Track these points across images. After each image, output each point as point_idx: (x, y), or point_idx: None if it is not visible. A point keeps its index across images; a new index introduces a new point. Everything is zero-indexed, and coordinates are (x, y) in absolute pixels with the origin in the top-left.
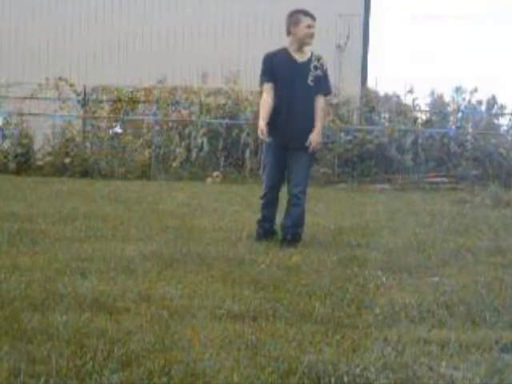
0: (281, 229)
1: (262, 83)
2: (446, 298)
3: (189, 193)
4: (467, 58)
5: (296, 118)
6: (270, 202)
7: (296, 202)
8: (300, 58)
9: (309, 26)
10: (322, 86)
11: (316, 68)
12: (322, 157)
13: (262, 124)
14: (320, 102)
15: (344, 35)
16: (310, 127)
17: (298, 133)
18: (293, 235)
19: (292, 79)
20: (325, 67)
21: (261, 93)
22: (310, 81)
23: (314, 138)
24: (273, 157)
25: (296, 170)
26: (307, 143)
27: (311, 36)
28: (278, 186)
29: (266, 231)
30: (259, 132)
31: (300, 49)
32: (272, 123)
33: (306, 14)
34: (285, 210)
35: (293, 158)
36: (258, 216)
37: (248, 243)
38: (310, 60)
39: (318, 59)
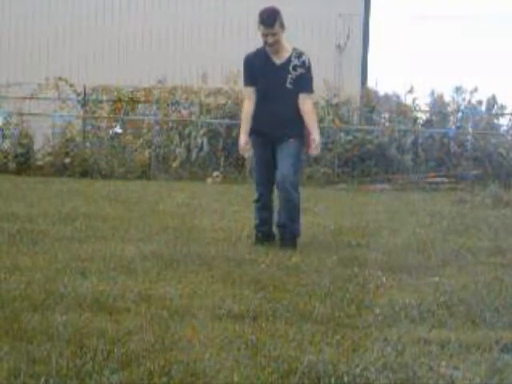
0: (277, 228)
1: (244, 87)
2: (446, 298)
3: (189, 193)
4: (467, 58)
5: (278, 121)
6: (264, 206)
7: (286, 196)
8: (278, 59)
9: (265, 35)
10: (304, 86)
11: (296, 68)
12: (322, 157)
13: (242, 139)
14: (306, 103)
15: (344, 35)
16: (293, 127)
17: (280, 133)
18: (290, 232)
19: (270, 83)
20: (307, 64)
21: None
22: (288, 83)
23: (317, 141)
24: (259, 155)
25: (282, 162)
26: (311, 143)
27: (269, 45)
28: (270, 186)
29: (264, 235)
30: (240, 148)
31: (275, 51)
32: (255, 123)
33: (262, 21)
34: (278, 207)
35: (279, 151)
36: (255, 221)
37: (248, 243)
38: (289, 60)
39: (299, 56)
